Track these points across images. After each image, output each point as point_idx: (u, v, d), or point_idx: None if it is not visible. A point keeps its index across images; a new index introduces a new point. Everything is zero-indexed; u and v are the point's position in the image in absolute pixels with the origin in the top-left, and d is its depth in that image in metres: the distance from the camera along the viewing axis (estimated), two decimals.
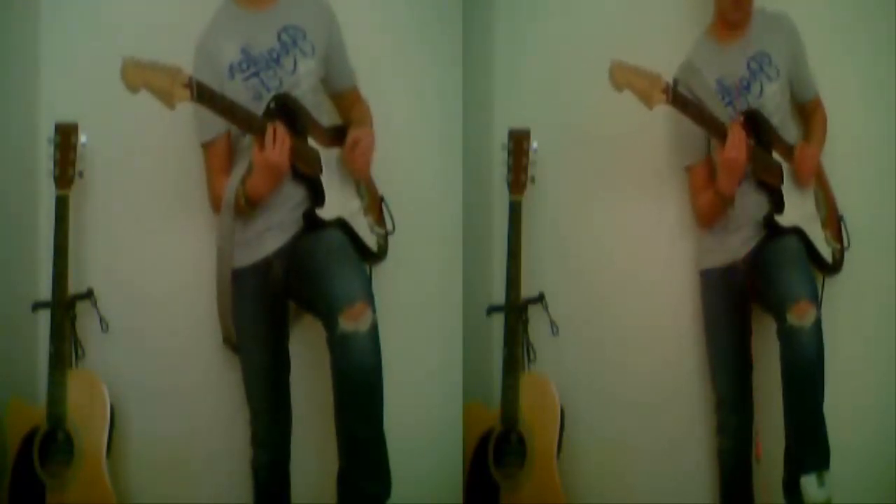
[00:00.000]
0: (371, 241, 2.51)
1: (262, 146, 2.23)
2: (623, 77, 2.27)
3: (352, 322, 2.11)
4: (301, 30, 2.41)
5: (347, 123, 2.53)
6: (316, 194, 2.36)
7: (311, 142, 2.40)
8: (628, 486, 2.80)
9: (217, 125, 2.35)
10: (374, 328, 2.14)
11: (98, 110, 2.48)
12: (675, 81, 2.60)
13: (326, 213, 2.36)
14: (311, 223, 2.34)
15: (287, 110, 2.36)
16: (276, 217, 2.36)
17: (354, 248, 2.40)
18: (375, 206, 2.59)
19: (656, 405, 2.80)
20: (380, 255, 2.56)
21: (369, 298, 2.16)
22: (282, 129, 2.25)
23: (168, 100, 2.07)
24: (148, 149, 2.67)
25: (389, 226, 2.62)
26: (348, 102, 2.59)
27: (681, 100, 2.36)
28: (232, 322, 2.42)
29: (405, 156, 2.63)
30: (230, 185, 2.32)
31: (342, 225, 2.39)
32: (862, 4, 2.77)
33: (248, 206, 2.32)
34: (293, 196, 2.37)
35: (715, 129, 2.42)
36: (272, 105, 2.33)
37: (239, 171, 2.33)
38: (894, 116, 2.73)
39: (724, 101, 2.53)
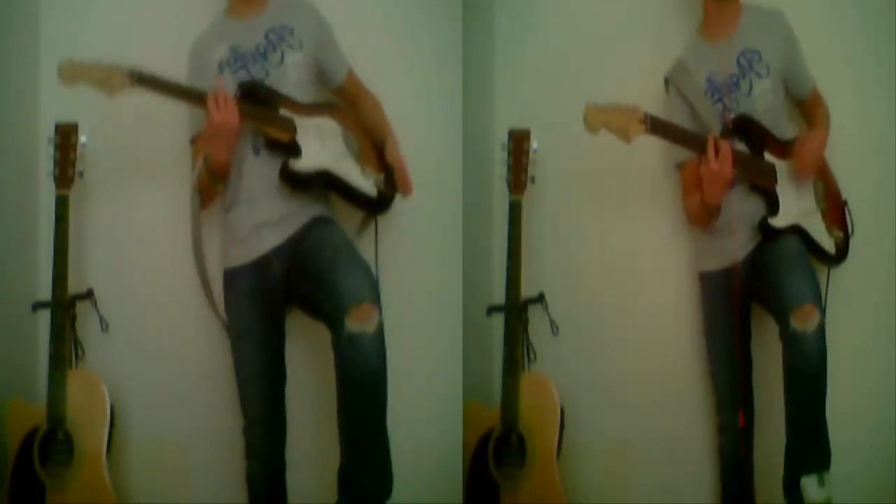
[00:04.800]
0: (367, 186, 2.48)
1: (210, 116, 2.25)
2: (597, 119, 2.29)
3: (358, 323, 2.09)
4: (288, 27, 2.44)
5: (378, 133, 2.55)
6: (294, 150, 2.34)
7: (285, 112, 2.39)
8: (628, 486, 2.80)
9: (202, 124, 2.34)
10: (381, 329, 2.12)
11: (98, 110, 2.47)
12: (666, 81, 2.62)
13: (307, 162, 2.35)
14: (292, 180, 2.33)
15: (254, 91, 2.36)
16: (266, 209, 2.35)
17: (356, 199, 2.41)
18: (370, 152, 2.54)
19: (656, 405, 2.80)
20: (381, 200, 2.52)
21: (376, 299, 2.14)
22: (224, 92, 2.26)
23: (108, 88, 2.18)
24: (148, 149, 2.67)
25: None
26: (351, 94, 2.59)
27: (660, 127, 2.37)
28: (227, 319, 2.44)
29: (405, 155, 2.62)
30: (196, 167, 2.34)
31: (326, 177, 2.37)
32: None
33: (214, 179, 2.33)
34: (274, 178, 2.35)
35: (699, 148, 2.41)
36: (238, 94, 2.34)
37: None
38: (894, 108, 2.73)
39: (713, 98, 2.52)
